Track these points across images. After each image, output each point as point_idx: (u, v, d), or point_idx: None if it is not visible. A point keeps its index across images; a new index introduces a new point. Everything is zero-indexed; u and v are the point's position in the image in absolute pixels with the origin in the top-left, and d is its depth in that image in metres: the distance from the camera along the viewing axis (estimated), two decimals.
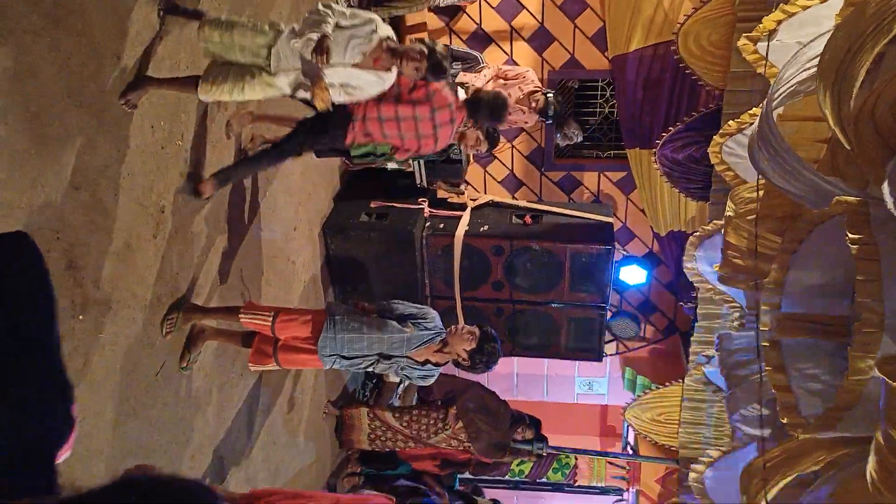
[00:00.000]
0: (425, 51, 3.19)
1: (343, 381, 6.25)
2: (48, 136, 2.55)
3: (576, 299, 5.68)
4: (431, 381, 3.77)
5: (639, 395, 6.24)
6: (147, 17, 3.04)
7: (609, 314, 6.39)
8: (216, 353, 3.92)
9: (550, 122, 5.66)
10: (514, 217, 5.73)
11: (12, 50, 2.38)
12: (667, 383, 6.00)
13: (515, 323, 5.92)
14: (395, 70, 3.28)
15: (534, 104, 5.49)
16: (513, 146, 6.96)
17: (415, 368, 3.66)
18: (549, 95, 5.47)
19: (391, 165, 5.58)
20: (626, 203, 7.11)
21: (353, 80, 3.24)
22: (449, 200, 5.97)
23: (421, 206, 5.63)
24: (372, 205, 5.60)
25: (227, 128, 3.85)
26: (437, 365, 3.68)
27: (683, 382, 5.36)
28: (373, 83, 3.31)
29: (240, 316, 3.56)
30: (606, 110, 6.92)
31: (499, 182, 7.16)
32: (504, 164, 7.08)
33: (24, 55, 2.43)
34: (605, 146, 7.10)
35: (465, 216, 5.64)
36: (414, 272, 5.58)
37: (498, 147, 6.89)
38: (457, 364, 3.65)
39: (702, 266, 4.37)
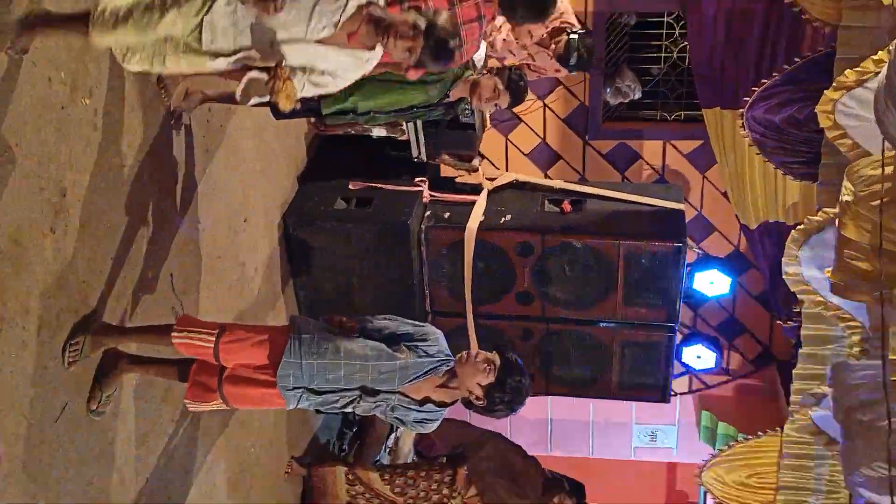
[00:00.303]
0: (421, 25, 3.02)
1: (312, 429, 6.25)
2: None
3: (633, 317, 5.67)
4: (433, 426, 3.76)
5: (720, 450, 6.21)
6: None
7: (679, 337, 6.37)
8: (138, 391, 3.93)
9: (572, 71, 5.61)
10: (546, 203, 5.73)
11: None
12: (759, 433, 5.97)
13: (549, 350, 5.92)
14: (379, 48, 3.12)
15: (554, 46, 5.42)
16: (545, 105, 6.96)
17: (411, 409, 3.64)
18: (572, 36, 5.36)
19: (377, 132, 5.59)
20: (703, 183, 7.10)
21: (319, 63, 3.09)
22: (457, 180, 5.97)
23: (419, 189, 5.64)
24: (351, 186, 5.60)
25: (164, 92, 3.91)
26: (441, 405, 3.67)
27: (783, 431, 5.33)
28: (348, 67, 3.16)
29: (172, 336, 3.56)
30: (675, 56, 6.90)
31: (526, 155, 7.16)
32: (533, 131, 7.08)
33: None
34: (673, 105, 7.08)
35: (480, 202, 5.65)
36: (409, 278, 5.59)
37: (523, 103, 6.91)
38: (468, 405, 3.63)
39: (808, 271, 4.35)
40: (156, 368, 3.80)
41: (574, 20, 5.65)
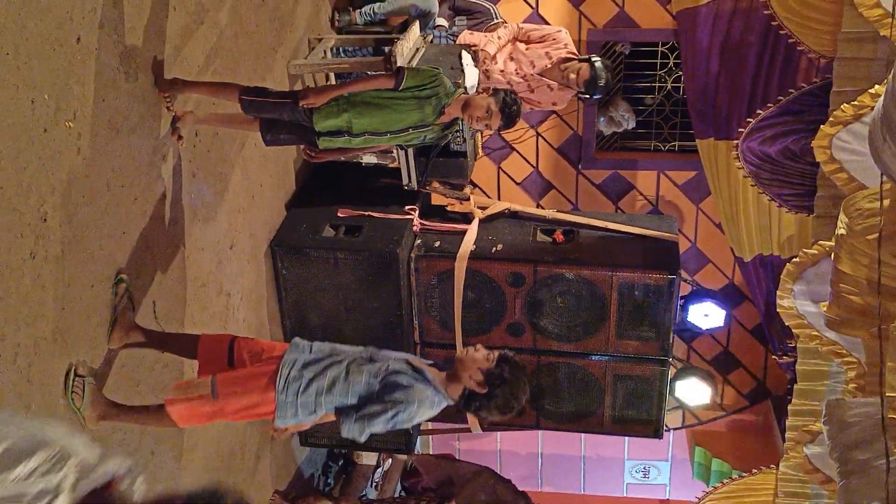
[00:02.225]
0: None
1: (296, 463, 6.20)
2: None
3: (625, 350, 5.65)
4: (435, 410, 3.68)
5: (714, 487, 6.19)
6: None
7: (672, 371, 6.35)
8: (126, 438, 3.89)
9: (597, 97, 5.68)
10: (538, 232, 5.73)
11: None
12: (754, 470, 5.95)
13: (540, 383, 5.89)
14: None
15: (573, 75, 5.49)
16: (538, 134, 6.99)
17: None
18: (596, 62, 5.47)
19: (367, 159, 5.59)
20: (697, 215, 7.12)
21: None
22: (448, 209, 5.97)
23: (409, 217, 5.63)
24: (340, 214, 5.60)
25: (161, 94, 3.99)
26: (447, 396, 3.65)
27: (778, 469, 5.31)
28: None
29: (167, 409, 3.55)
30: (669, 86, 6.95)
31: (518, 184, 7.18)
32: (526, 159, 7.10)
33: None
34: (667, 135, 7.12)
35: (471, 231, 5.64)
36: (398, 308, 5.56)
37: (517, 136, 6.94)
38: (468, 401, 3.57)
39: (803, 305, 4.36)
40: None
41: (574, 50, 5.72)
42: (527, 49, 5.71)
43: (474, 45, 5.77)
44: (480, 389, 3.50)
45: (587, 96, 5.65)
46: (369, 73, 5.26)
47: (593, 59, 5.54)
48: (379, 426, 3.51)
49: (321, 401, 3.52)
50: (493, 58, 5.74)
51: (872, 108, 3.76)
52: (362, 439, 3.55)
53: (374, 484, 6.84)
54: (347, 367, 3.57)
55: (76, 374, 3.51)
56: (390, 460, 7.10)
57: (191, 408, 3.53)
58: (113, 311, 3.73)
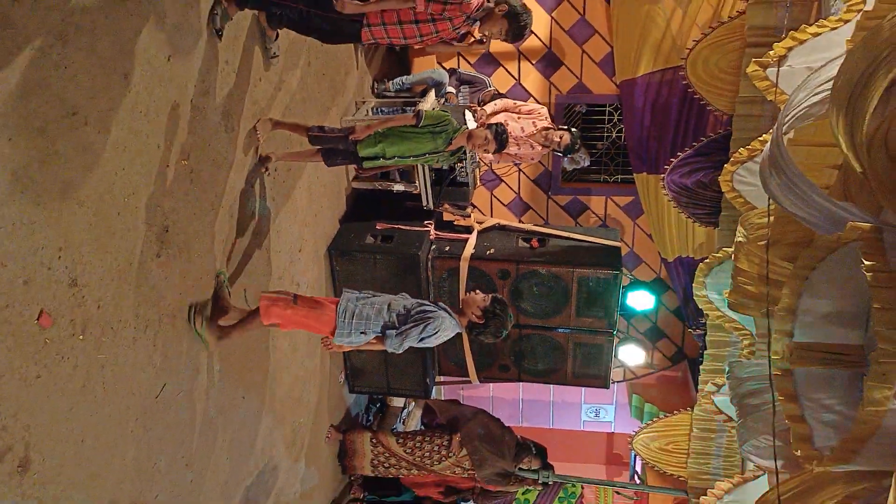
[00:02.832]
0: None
1: (346, 405, 6.19)
2: (51, 152, 2.55)
3: (583, 324, 5.63)
4: (453, 332, 3.75)
5: (646, 424, 6.16)
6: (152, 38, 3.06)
7: (616, 340, 6.32)
8: (217, 376, 3.89)
9: (571, 155, 5.74)
10: (520, 240, 5.71)
11: (19, 65, 2.39)
12: (675, 412, 5.92)
13: (521, 348, 5.87)
14: None
15: (557, 139, 5.58)
16: (520, 170, 6.97)
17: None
18: (573, 130, 5.60)
19: (397, 187, 5.59)
20: (634, 228, 7.09)
21: None
22: (455, 223, 5.96)
23: (427, 229, 5.62)
24: (378, 227, 5.59)
25: (254, 132, 4.00)
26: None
27: (692, 411, 5.28)
28: None
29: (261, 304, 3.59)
30: (614, 135, 6.93)
31: (505, 205, 7.16)
32: (511, 188, 7.08)
33: (31, 71, 2.44)
34: (613, 171, 7.10)
35: (472, 239, 5.63)
36: (419, 295, 5.54)
37: (504, 171, 6.93)
38: (471, 329, 3.71)
39: (711, 293, 4.33)
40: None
41: (551, 122, 5.78)
42: (518, 118, 5.74)
43: (473, 105, 5.78)
44: (479, 321, 3.68)
45: (561, 154, 5.73)
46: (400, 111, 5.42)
47: (571, 129, 5.62)
48: (413, 339, 3.61)
49: (370, 324, 3.61)
50: (489, 116, 5.74)
51: (762, 151, 3.73)
52: (400, 351, 3.67)
53: (401, 420, 6.84)
54: (389, 302, 3.69)
55: (195, 312, 3.52)
56: (413, 403, 7.09)
57: (274, 305, 3.56)
58: (215, 297, 3.73)
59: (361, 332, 3.61)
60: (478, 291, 3.76)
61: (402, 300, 3.73)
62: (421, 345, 3.68)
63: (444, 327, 3.66)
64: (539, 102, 6.45)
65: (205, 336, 3.57)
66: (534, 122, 5.70)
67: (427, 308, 3.67)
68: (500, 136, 4.14)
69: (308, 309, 3.60)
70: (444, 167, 5.40)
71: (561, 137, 5.57)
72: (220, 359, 3.89)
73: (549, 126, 5.70)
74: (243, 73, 3.88)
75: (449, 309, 3.72)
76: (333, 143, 4.15)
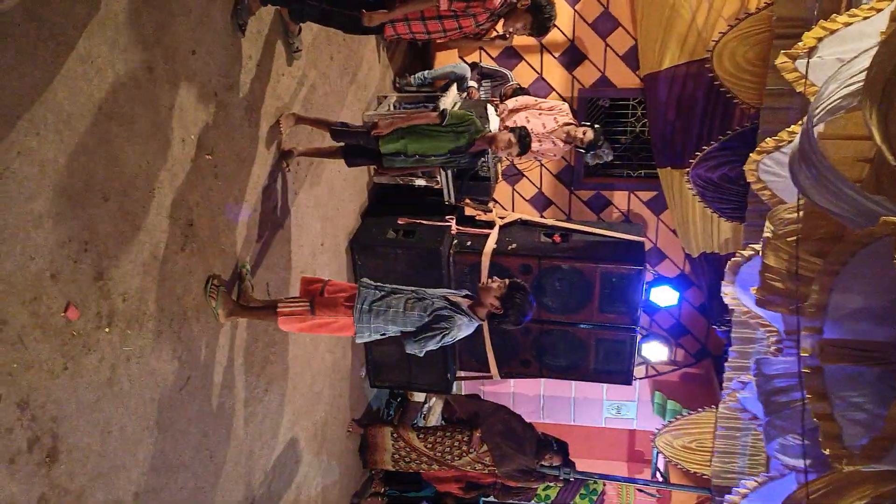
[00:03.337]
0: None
1: (367, 399, 6.22)
2: (77, 146, 2.58)
3: (605, 320, 5.58)
4: (471, 329, 3.70)
5: (669, 421, 6.10)
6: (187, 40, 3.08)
7: (639, 336, 6.26)
8: (240, 369, 3.92)
9: (591, 151, 5.68)
10: (542, 235, 5.67)
11: (43, 60, 2.42)
12: (699, 409, 5.85)
13: (543, 344, 5.84)
14: None
15: (579, 136, 5.53)
16: (542, 165, 6.92)
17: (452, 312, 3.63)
18: (596, 127, 5.54)
19: (419, 182, 5.58)
20: (657, 223, 7.01)
21: None
22: (477, 218, 5.94)
23: (448, 224, 5.60)
24: (399, 221, 5.59)
25: (277, 126, 4.01)
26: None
27: (717, 409, 5.21)
28: None
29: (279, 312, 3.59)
30: (637, 129, 6.85)
31: (527, 200, 7.12)
32: (533, 183, 7.04)
33: (55, 67, 2.46)
34: (636, 165, 7.02)
35: (493, 234, 5.60)
36: (440, 285, 5.53)
37: (527, 165, 6.89)
38: (491, 320, 3.64)
39: (739, 290, 4.26)
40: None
41: (573, 118, 5.73)
42: (540, 114, 5.70)
43: (495, 100, 5.75)
44: (498, 311, 3.57)
45: (584, 151, 5.67)
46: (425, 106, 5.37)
47: (595, 125, 5.57)
48: (432, 345, 3.58)
49: (388, 327, 3.58)
50: (509, 111, 5.72)
51: (789, 142, 3.66)
52: (420, 354, 3.63)
53: (422, 415, 6.84)
54: (405, 304, 3.59)
55: (213, 283, 3.50)
56: (434, 398, 7.09)
57: (293, 317, 3.58)
58: (238, 287, 3.74)
59: (381, 334, 3.62)
60: (494, 279, 3.64)
61: (419, 301, 3.62)
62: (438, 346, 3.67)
63: (461, 330, 3.62)
64: (562, 97, 6.40)
65: (217, 309, 3.55)
66: (555, 119, 5.66)
67: (442, 314, 3.57)
68: (524, 140, 4.09)
69: (323, 320, 3.59)
70: (468, 169, 5.37)
71: (584, 133, 5.53)
72: (244, 352, 3.92)
73: (571, 122, 5.66)
74: (266, 68, 3.89)
75: (465, 307, 3.63)
76: (356, 139, 4.14)
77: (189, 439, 3.45)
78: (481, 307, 3.63)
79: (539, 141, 5.64)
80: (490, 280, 3.64)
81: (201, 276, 3.43)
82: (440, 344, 3.59)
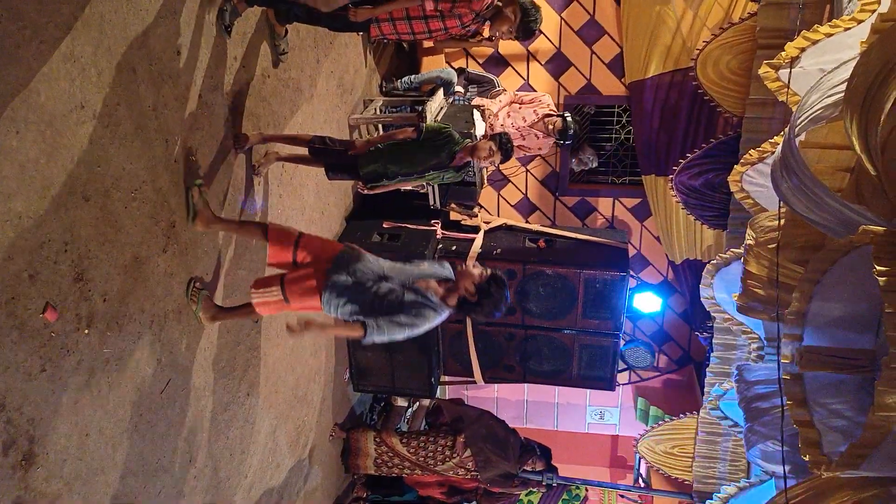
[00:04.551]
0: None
1: (350, 403, 6.18)
2: (59, 146, 2.55)
3: (589, 326, 5.60)
4: (439, 320, 3.48)
5: (652, 427, 6.13)
6: None
7: (622, 342, 6.29)
8: (222, 372, 3.88)
9: (569, 142, 5.66)
10: (527, 241, 5.69)
11: (25, 58, 2.39)
12: (681, 415, 5.88)
13: (526, 349, 5.85)
14: None
15: (551, 127, 5.50)
16: (527, 170, 6.95)
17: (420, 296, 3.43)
18: (567, 116, 5.49)
19: (405, 187, 5.57)
20: (641, 230, 7.05)
21: None
22: (462, 223, 5.94)
23: (434, 228, 5.60)
24: (384, 225, 5.58)
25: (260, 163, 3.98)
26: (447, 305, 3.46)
27: (698, 415, 5.25)
28: None
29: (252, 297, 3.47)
30: (622, 136, 6.90)
31: (512, 206, 7.14)
32: (518, 188, 7.06)
33: (37, 63, 2.43)
34: (621, 172, 7.07)
35: (478, 239, 5.61)
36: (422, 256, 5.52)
37: (512, 171, 6.91)
38: (461, 305, 3.40)
39: (719, 295, 4.30)
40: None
41: (554, 108, 5.70)
42: (520, 108, 5.68)
43: (482, 105, 5.75)
44: (471, 298, 3.35)
45: (561, 142, 5.64)
46: (401, 127, 5.25)
47: (565, 115, 5.54)
48: (396, 335, 3.36)
49: (355, 317, 3.37)
50: (496, 115, 5.71)
51: (773, 153, 3.70)
52: (380, 341, 3.36)
53: (405, 420, 6.82)
54: (374, 296, 3.38)
55: (194, 287, 3.45)
56: (418, 403, 7.07)
57: (268, 305, 3.44)
58: (192, 208, 3.41)
59: (345, 320, 3.43)
60: (476, 265, 3.46)
61: (388, 296, 3.39)
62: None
63: (429, 322, 3.40)
64: None
65: (198, 312, 3.50)
66: (535, 111, 5.65)
67: (412, 306, 3.37)
68: (505, 146, 4.03)
69: (298, 298, 3.42)
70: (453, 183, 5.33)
71: (555, 124, 5.50)
72: (226, 355, 3.89)
73: (551, 112, 5.63)
74: (252, 70, 3.87)
75: (436, 294, 3.40)
76: (334, 159, 4.07)
77: (168, 443, 3.41)
78: (454, 294, 3.41)
79: (522, 136, 5.63)
80: (473, 265, 3.45)
81: (183, 279, 3.39)
82: (407, 334, 3.39)
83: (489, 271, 3.41)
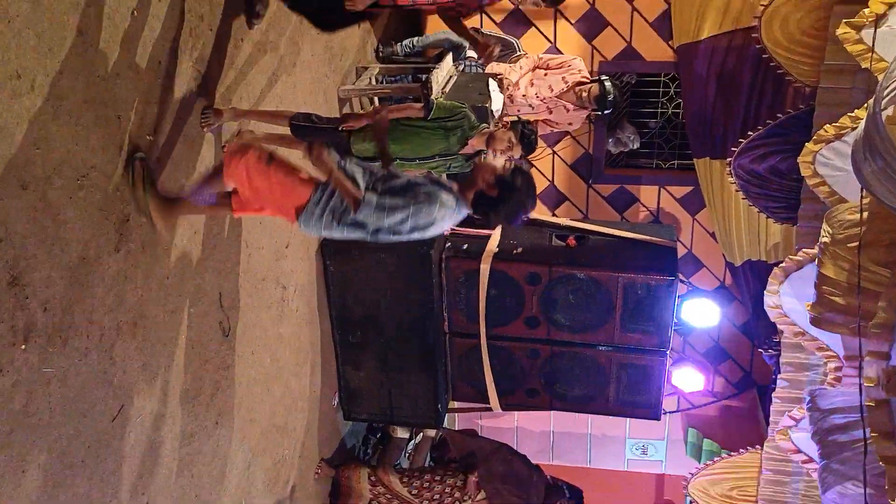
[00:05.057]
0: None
1: (340, 434, 6.20)
2: None
3: (629, 342, 5.59)
4: (453, 220, 3.41)
5: (705, 464, 6.12)
6: None
7: (669, 361, 6.29)
8: (185, 396, 3.90)
9: (608, 112, 5.63)
10: (554, 238, 5.69)
11: None
12: (741, 450, 5.87)
13: (553, 369, 5.85)
14: None
15: (584, 94, 5.47)
16: (554, 152, 6.95)
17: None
18: (605, 81, 5.46)
19: None
20: (693, 225, 7.04)
21: None
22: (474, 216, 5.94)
23: None
24: None
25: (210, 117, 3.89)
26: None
27: (762, 449, 5.23)
28: None
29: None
30: (670, 111, 6.89)
31: (537, 195, 7.15)
32: (543, 175, 7.06)
33: None
34: (668, 155, 7.06)
35: (495, 236, 5.61)
36: (430, 302, 5.54)
37: (535, 154, 6.91)
38: (477, 203, 3.28)
39: (788, 304, 4.29)
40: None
41: (587, 75, 5.69)
42: (545, 75, 5.67)
43: (500, 74, 5.75)
44: (491, 192, 3.26)
45: (598, 112, 5.62)
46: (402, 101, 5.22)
47: (603, 78, 5.53)
48: (398, 217, 3.23)
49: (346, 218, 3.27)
50: (516, 84, 5.72)
51: (852, 129, 3.70)
52: (381, 224, 3.24)
53: (406, 455, 6.83)
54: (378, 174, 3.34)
55: (137, 160, 3.25)
56: (421, 434, 7.08)
57: (245, 163, 3.24)
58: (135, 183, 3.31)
59: (326, 229, 3.33)
60: (497, 157, 3.38)
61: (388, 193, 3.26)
62: (406, 238, 3.31)
63: (443, 210, 3.26)
64: None
65: (149, 206, 3.30)
66: (563, 78, 5.62)
67: (420, 184, 3.26)
68: (527, 139, 4.02)
69: (286, 173, 3.30)
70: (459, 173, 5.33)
71: (590, 90, 5.46)
72: (191, 376, 3.91)
73: (584, 80, 5.59)
74: (222, 32, 3.89)
75: (453, 186, 3.32)
76: (321, 137, 4.04)
77: (121, 480, 3.43)
78: (471, 188, 3.31)
79: (549, 109, 5.61)
80: (493, 157, 3.35)
81: (140, 283, 3.41)
82: (413, 222, 3.23)
83: (514, 164, 3.31)
